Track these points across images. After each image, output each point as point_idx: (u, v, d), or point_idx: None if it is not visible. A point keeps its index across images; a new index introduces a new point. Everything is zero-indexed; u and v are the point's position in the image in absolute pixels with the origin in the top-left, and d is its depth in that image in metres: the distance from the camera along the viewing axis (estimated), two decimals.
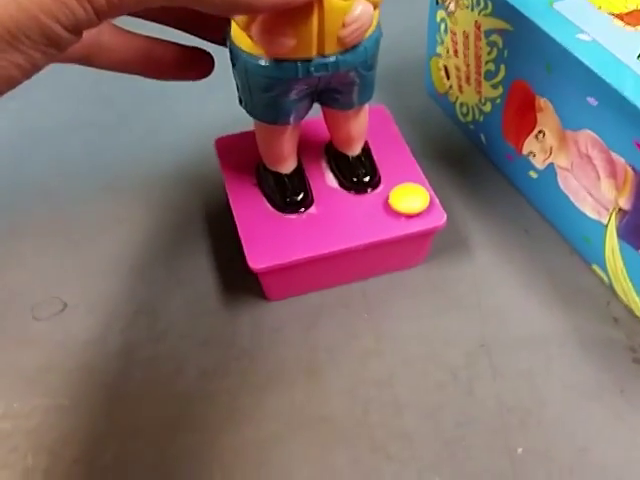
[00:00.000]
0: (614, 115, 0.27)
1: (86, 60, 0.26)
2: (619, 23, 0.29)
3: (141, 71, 0.27)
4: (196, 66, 0.27)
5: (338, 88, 0.27)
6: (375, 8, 0.25)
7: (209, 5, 0.19)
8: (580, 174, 0.30)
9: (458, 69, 0.37)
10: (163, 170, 0.38)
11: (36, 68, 0.18)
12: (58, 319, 0.31)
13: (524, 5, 0.31)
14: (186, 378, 0.29)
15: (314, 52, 0.24)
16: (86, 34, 0.25)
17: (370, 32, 0.25)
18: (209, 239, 0.34)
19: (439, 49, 0.38)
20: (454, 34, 0.36)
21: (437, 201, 0.30)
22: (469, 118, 0.38)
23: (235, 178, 0.32)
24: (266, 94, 0.26)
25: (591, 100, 0.28)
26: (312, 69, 0.25)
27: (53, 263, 0.34)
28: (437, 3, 0.36)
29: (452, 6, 0.35)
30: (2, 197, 0.37)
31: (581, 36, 0.29)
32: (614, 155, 0.28)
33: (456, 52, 0.36)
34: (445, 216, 0.30)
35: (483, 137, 0.37)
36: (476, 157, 0.38)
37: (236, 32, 0.25)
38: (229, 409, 0.28)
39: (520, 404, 0.28)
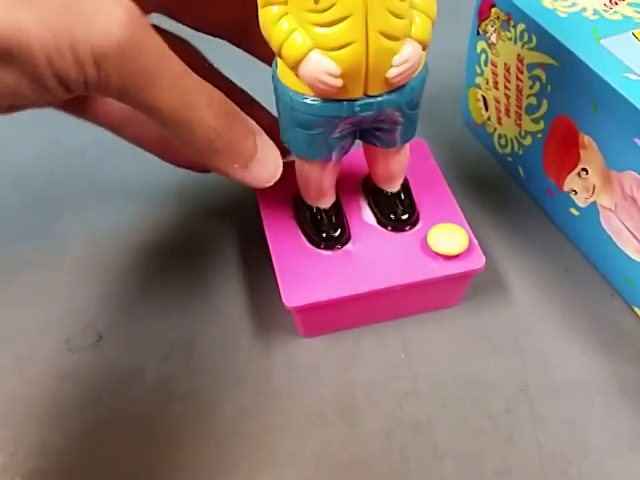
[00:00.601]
0: None
1: (116, 128, 0.27)
2: None
3: (156, 151, 0.29)
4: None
5: (381, 126, 0.27)
6: (424, 49, 0.24)
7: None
8: (624, 215, 0.30)
9: (498, 101, 0.36)
10: (198, 197, 0.38)
11: (18, 94, 0.19)
12: (94, 351, 0.31)
13: (570, 41, 0.30)
14: (222, 415, 0.29)
15: (361, 92, 0.24)
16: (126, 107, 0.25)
17: (417, 72, 0.25)
18: (242, 269, 0.34)
19: (478, 80, 0.38)
20: (494, 66, 0.35)
21: (476, 243, 0.30)
22: (507, 150, 0.37)
23: (272, 210, 0.32)
24: (310, 131, 0.26)
25: (638, 141, 0.27)
26: (357, 109, 0.24)
27: (87, 292, 0.34)
28: (478, 34, 0.36)
29: (494, 37, 0.34)
30: (37, 223, 0.37)
31: (629, 75, 0.28)
32: None
33: (496, 84, 0.36)
34: (484, 259, 0.29)
35: (521, 170, 0.37)
36: (513, 189, 0.37)
37: (282, 69, 0.25)
38: (266, 449, 0.28)
39: (560, 452, 0.27)
